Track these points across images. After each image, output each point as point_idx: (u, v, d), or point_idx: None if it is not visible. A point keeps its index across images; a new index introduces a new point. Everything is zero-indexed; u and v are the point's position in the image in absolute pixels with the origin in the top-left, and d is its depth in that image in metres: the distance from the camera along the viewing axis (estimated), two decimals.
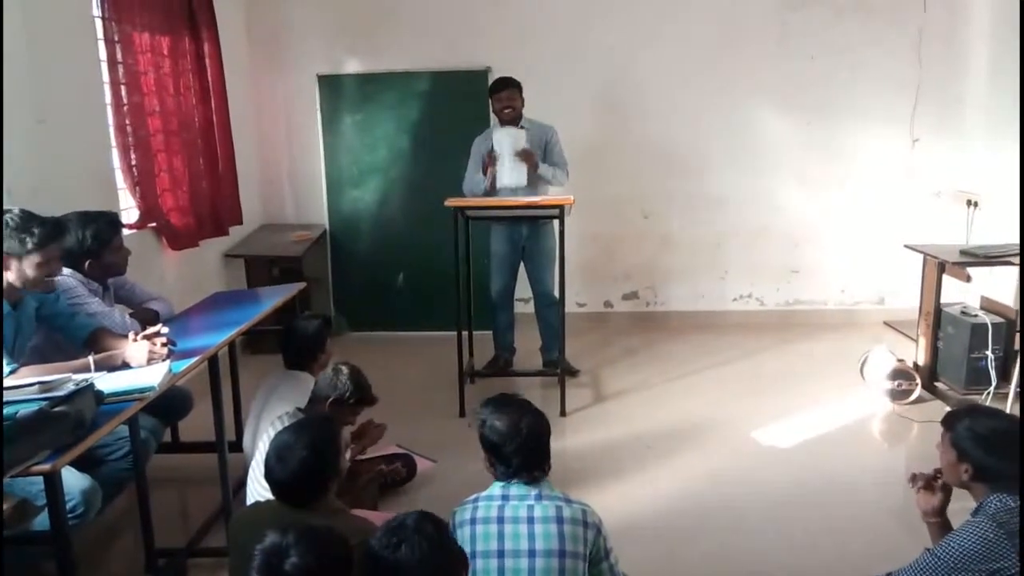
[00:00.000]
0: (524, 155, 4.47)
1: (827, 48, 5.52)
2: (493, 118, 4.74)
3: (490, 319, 4.94)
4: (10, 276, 2.46)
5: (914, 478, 2.27)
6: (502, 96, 4.56)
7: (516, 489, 2.05)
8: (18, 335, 2.56)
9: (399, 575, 1.63)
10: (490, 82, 5.43)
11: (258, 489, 2.71)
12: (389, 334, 5.70)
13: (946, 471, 2.14)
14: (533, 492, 2.04)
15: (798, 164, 5.71)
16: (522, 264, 4.82)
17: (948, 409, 4.12)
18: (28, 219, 2.46)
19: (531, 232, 4.69)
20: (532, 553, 1.97)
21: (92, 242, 2.97)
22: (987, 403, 3.99)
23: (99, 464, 2.71)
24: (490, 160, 4.54)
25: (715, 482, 3.53)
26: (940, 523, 2.22)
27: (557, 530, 1.98)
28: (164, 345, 2.58)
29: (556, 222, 4.41)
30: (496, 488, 2.08)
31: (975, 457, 2.04)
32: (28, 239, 2.43)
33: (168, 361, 2.51)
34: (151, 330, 2.64)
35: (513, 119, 4.60)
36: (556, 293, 4.48)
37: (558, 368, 4.41)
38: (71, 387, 2.03)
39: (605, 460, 3.75)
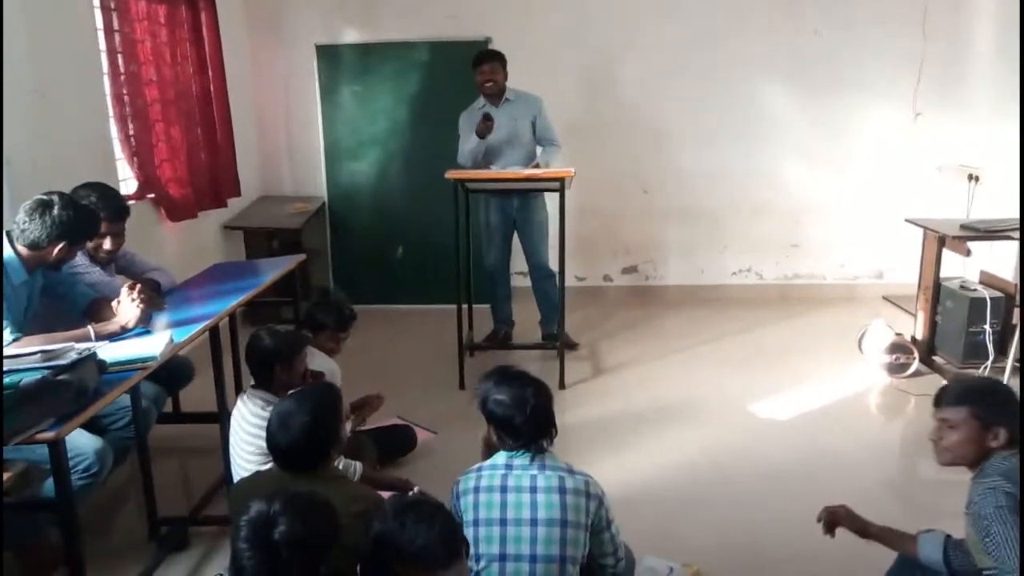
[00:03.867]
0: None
1: (831, 23, 5.47)
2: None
3: (486, 291, 4.93)
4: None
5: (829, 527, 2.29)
6: (484, 69, 4.50)
7: (520, 459, 2.07)
8: (28, 303, 2.60)
9: (406, 540, 1.66)
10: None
11: (239, 463, 2.73)
12: (388, 307, 5.70)
13: (957, 448, 2.06)
14: (536, 462, 2.06)
15: (799, 138, 5.68)
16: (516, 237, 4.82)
17: (944, 383, 4.14)
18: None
19: (522, 204, 4.67)
20: (534, 522, 1.99)
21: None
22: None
23: (102, 433, 2.72)
24: (484, 126, 4.40)
25: (712, 455, 3.56)
26: (879, 531, 2.24)
27: (559, 500, 2.00)
28: (141, 294, 2.60)
29: (546, 194, 4.39)
30: (500, 457, 2.09)
31: (1010, 422, 2.00)
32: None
33: (170, 330, 2.51)
34: (125, 289, 2.65)
35: (495, 92, 4.55)
36: (552, 265, 4.49)
37: (557, 341, 4.43)
38: (74, 356, 2.03)
39: (604, 432, 3.77)
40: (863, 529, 2.26)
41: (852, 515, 2.28)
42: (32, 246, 2.50)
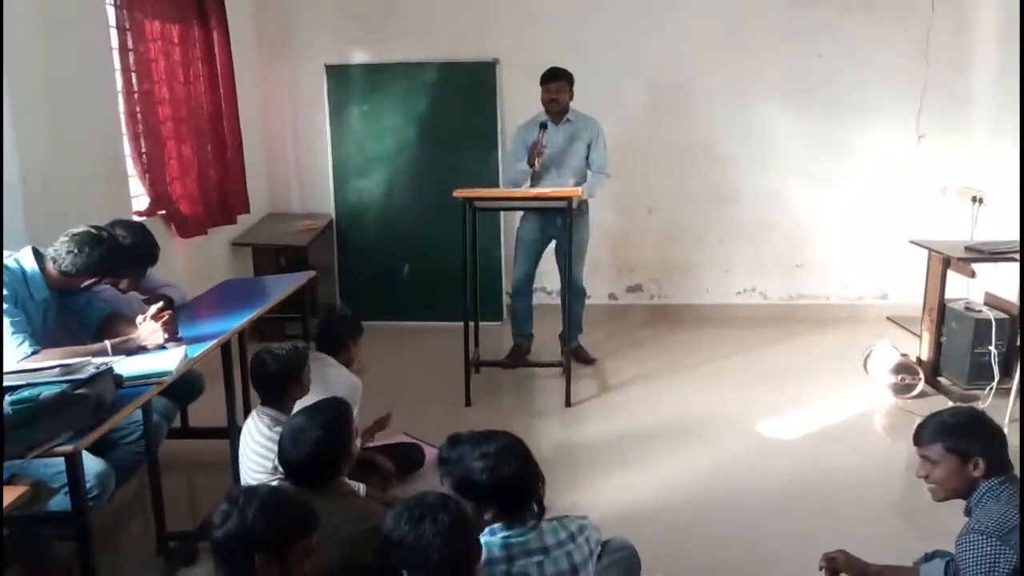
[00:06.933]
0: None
1: (834, 46, 5.53)
2: (539, 106, 4.68)
3: (492, 309, 4.94)
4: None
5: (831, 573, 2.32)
6: (551, 88, 4.54)
7: (517, 540, 1.88)
8: (44, 319, 2.64)
9: (418, 552, 1.66)
10: (499, 73, 5.45)
11: (248, 480, 2.75)
12: (395, 324, 5.71)
13: (944, 484, 2.12)
14: (536, 544, 1.89)
15: (803, 159, 5.73)
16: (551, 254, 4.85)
17: (950, 404, 4.16)
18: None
19: (565, 222, 4.66)
20: None
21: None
22: (989, 399, 4.03)
23: (113, 447, 2.74)
24: (536, 152, 4.47)
25: (718, 473, 3.57)
26: (879, 571, 2.28)
27: None
28: (166, 325, 2.63)
29: (589, 214, 4.46)
30: (495, 547, 1.87)
31: (983, 448, 2.06)
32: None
33: (184, 346, 2.54)
34: (153, 308, 2.70)
35: (558, 112, 4.58)
36: (584, 284, 4.70)
37: (579, 357, 4.72)
38: (92, 370, 2.06)
39: (611, 450, 3.78)
40: (863, 572, 2.30)
41: (851, 559, 2.31)
42: (66, 273, 2.57)
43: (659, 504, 3.28)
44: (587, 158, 4.69)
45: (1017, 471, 2.14)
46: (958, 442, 2.08)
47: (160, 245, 3.17)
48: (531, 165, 4.50)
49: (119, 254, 2.66)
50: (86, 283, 2.63)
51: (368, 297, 5.86)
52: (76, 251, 2.54)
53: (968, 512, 2.11)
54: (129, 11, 4.00)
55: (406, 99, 5.69)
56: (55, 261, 2.57)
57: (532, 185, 4.60)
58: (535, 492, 1.99)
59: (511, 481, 1.92)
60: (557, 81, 4.54)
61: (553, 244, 4.85)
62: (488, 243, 5.09)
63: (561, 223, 4.63)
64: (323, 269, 5.64)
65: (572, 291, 4.73)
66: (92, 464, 2.50)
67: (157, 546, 2.92)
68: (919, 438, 2.17)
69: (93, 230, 2.60)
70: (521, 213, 4.86)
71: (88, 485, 2.43)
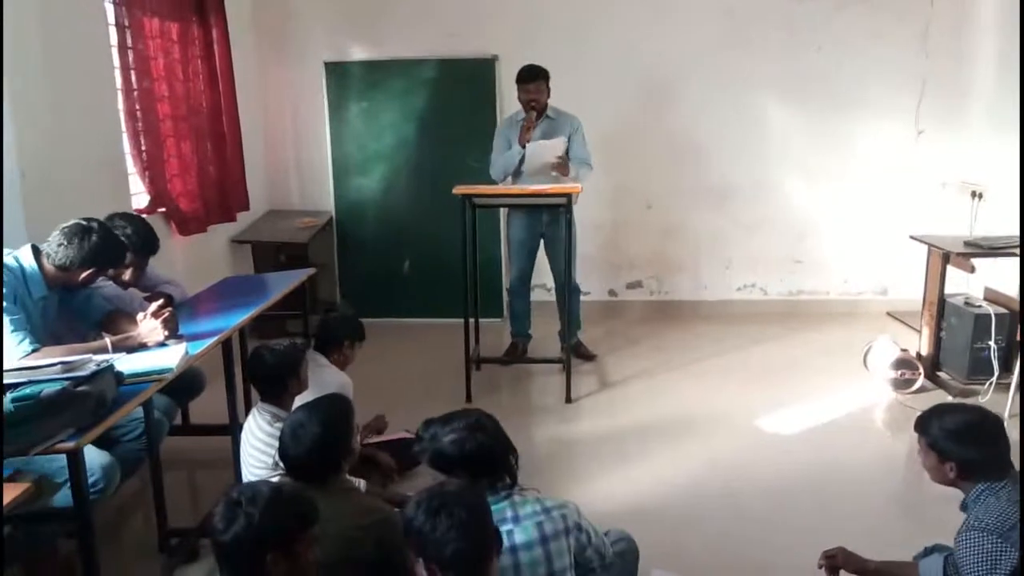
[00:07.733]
0: (558, 168, 4.45)
1: (833, 40, 5.53)
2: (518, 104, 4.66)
3: (493, 306, 4.93)
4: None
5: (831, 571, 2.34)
6: (529, 88, 4.47)
7: (493, 510, 1.86)
8: (44, 317, 2.65)
9: (433, 543, 1.64)
10: (498, 70, 5.42)
11: (249, 477, 2.76)
12: (395, 321, 5.72)
13: (931, 473, 2.18)
14: (508, 513, 1.93)
15: (803, 155, 5.73)
16: (542, 252, 4.83)
17: (950, 399, 4.17)
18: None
19: (552, 219, 4.62)
20: None
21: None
22: (989, 394, 4.03)
23: (114, 444, 2.75)
24: (527, 127, 4.47)
25: (718, 469, 3.57)
26: (878, 567, 2.30)
27: (543, 553, 1.89)
28: (166, 322, 2.64)
29: (574, 209, 4.41)
30: None
31: (957, 454, 2.08)
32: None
33: (185, 343, 2.55)
34: (154, 306, 2.71)
35: (537, 111, 4.53)
36: (577, 279, 4.62)
37: (580, 353, 4.62)
38: (93, 367, 2.07)
39: (610, 446, 3.79)
40: (862, 568, 2.31)
41: (849, 556, 2.33)
42: (61, 267, 2.58)
43: (659, 499, 3.29)
44: (567, 153, 4.63)
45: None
46: (941, 443, 2.11)
47: (160, 242, 3.20)
48: (523, 145, 4.47)
49: (111, 243, 2.66)
50: (83, 276, 2.63)
51: (369, 294, 5.87)
52: (66, 243, 2.56)
53: (964, 507, 2.11)
54: (128, 8, 4.00)
55: (405, 96, 5.69)
56: (49, 257, 2.58)
57: (514, 181, 4.58)
58: (507, 464, 2.04)
59: (482, 452, 1.99)
60: (536, 81, 4.47)
61: (543, 242, 4.82)
62: (488, 240, 5.09)
63: (547, 220, 4.63)
64: (323, 266, 5.65)
65: (567, 289, 4.73)
66: (97, 457, 2.51)
67: (159, 543, 2.94)
68: (917, 424, 2.22)
69: (83, 221, 2.61)
70: (511, 214, 4.84)
71: (94, 478, 2.45)
